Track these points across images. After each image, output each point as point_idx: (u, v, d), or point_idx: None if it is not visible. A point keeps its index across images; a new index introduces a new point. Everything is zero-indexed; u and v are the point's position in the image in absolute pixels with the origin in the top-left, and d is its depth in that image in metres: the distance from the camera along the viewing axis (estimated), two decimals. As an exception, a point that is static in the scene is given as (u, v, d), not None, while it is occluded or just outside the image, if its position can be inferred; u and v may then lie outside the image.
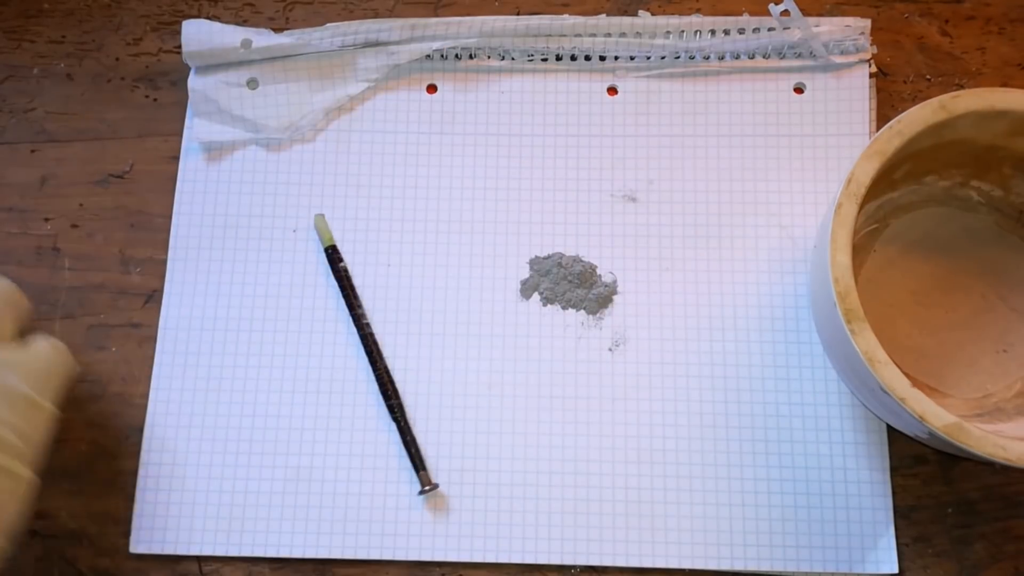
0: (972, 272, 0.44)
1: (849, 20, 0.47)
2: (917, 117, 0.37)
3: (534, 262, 0.45)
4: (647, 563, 0.41)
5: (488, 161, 0.47)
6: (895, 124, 0.37)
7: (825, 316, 0.38)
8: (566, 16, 0.47)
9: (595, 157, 0.47)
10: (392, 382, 0.43)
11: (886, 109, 0.47)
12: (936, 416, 0.34)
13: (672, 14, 0.48)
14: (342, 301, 0.44)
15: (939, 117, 0.37)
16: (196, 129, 0.47)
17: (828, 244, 0.36)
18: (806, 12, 0.46)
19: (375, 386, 0.43)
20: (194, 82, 0.47)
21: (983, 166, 0.41)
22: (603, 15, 0.47)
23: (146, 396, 0.44)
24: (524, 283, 0.45)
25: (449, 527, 0.42)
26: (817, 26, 0.46)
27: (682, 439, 0.43)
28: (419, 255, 0.46)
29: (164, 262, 0.46)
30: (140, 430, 0.43)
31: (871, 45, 0.47)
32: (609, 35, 0.47)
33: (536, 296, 0.45)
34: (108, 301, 0.45)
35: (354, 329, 0.44)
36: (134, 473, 0.43)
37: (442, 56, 0.48)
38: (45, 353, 0.37)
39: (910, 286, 0.44)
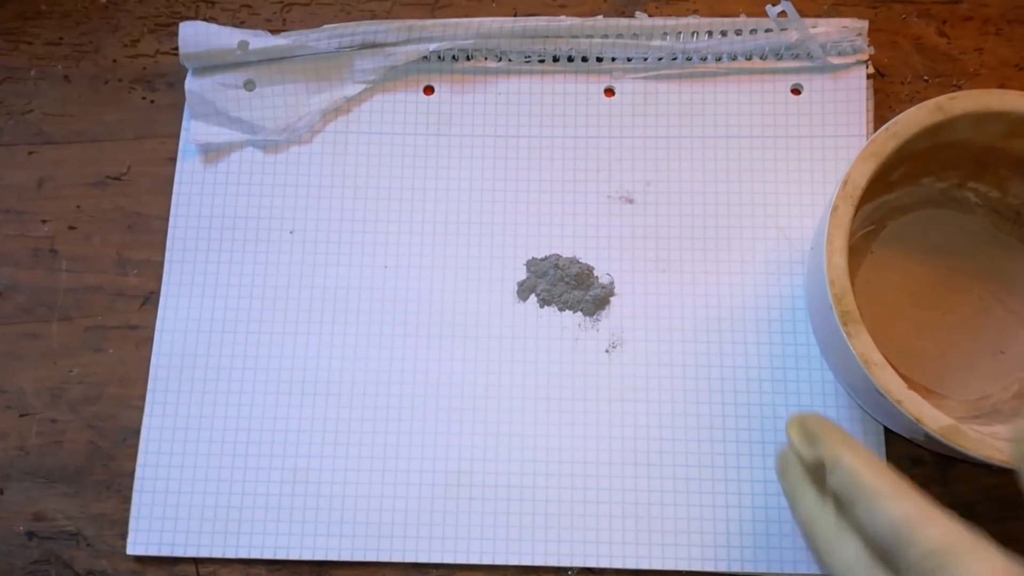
0: (969, 274, 0.43)
1: (846, 21, 0.46)
2: (913, 119, 0.37)
3: (531, 263, 0.45)
4: (644, 564, 0.41)
5: (485, 162, 0.47)
6: (891, 126, 0.37)
7: (821, 318, 0.38)
8: (563, 17, 0.47)
9: (592, 158, 0.46)
10: None
11: (883, 110, 0.47)
12: (932, 419, 0.34)
13: (669, 15, 0.48)
14: (338, 303, 0.44)
15: (936, 119, 0.37)
16: (193, 131, 0.47)
17: (824, 246, 0.36)
18: (803, 13, 0.46)
19: (372, 387, 0.43)
20: (191, 84, 0.47)
21: (980, 168, 0.41)
22: (600, 16, 0.47)
23: (143, 398, 0.44)
24: (521, 284, 0.45)
25: (446, 529, 0.42)
26: (814, 27, 0.46)
27: (679, 440, 0.43)
28: (416, 257, 0.46)
29: (161, 264, 0.46)
30: (137, 432, 0.43)
31: (868, 46, 0.46)
32: (606, 36, 0.47)
33: (533, 298, 0.45)
34: (105, 303, 0.45)
35: (350, 330, 0.44)
36: (131, 475, 0.43)
37: (439, 57, 0.48)
38: None
39: (907, 288, 0.43)
